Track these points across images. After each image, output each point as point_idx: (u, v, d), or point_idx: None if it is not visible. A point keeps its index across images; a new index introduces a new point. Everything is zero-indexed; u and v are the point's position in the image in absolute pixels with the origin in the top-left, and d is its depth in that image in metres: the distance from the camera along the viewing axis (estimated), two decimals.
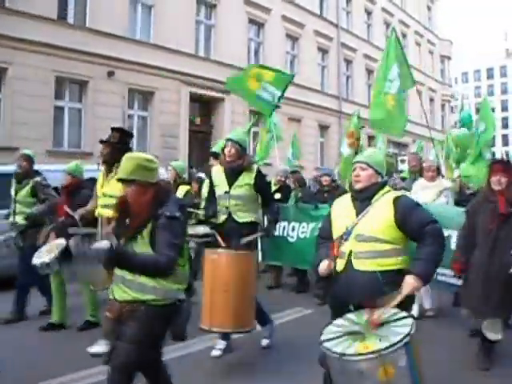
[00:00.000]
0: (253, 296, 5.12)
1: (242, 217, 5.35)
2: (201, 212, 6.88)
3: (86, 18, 16.47)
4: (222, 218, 5.39)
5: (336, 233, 3.66)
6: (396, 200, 3.53)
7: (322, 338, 3.08)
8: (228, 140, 5.46)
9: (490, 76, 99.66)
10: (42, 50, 14.84)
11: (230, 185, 5.36)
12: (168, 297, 3.24)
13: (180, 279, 3.32)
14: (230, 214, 5.34)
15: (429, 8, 40.50)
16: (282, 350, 5.46)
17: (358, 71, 30.03)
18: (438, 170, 7.13)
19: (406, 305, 3.29)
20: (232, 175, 5.38)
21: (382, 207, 3.55)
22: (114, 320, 3.26)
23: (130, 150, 5.64)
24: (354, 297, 3.37)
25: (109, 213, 5.09)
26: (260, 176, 5.47)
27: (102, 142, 5.76)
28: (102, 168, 5.88)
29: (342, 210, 3.77)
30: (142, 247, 3.21)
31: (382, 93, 8.21)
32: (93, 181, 6.21)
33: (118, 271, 3.30)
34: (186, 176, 8.59)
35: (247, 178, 5.36)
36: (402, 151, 31.44)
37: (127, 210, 3.28)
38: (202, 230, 6.39)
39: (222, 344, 5.36)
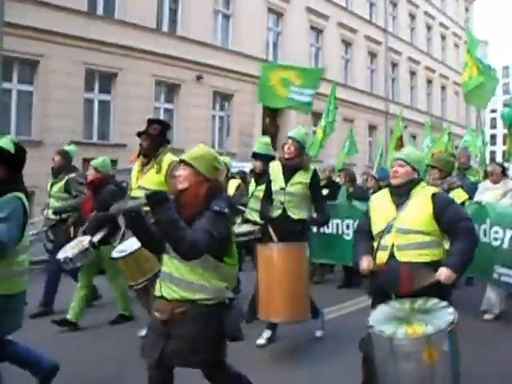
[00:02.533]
0: (306, 287, 5.24)
1: (296, 213, 5.40)
2: (247, 210, 6.78)
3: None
4: (277, 212, 5.45)
5: (376, 228, 3.82)
6: (434, 195, 3.72)
7: (370, 322, 3.32)
8: (289, 138, 5.54)
9: None
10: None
11: (286, 181, 5.43)
12: (217, 295, 3.13)
13: (228, 278, 3.22)
14: (284, 210, 5.41)
15: (466, 9, 41.61)
16: (327, 342, 5.62)
17: (403, 73, 31.74)
18: (503, 171, 6.98)
19: (443, 295, 3.49)
20: (289, 172, 5.45)
21: (421, 201, 3.71)
22: (165, 321, 3.14)
23: (168, 142, 5.68)
24: (397, 286, 3.54)
25: None
26: (315, 176, 5.56)
27: (140, 133, 5.59)
28: (137, 160, 5.74)
29: (381, 205, 3.91)
30: None
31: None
32: None
33: (165, 268, 3.23)
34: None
35: (303, 177, 5.43)
36: None
37: (180, 202, 3.11)
38: (244, 228, 6.43)
39: (267, 333, 5.50)
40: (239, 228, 6.46)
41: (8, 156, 3.63)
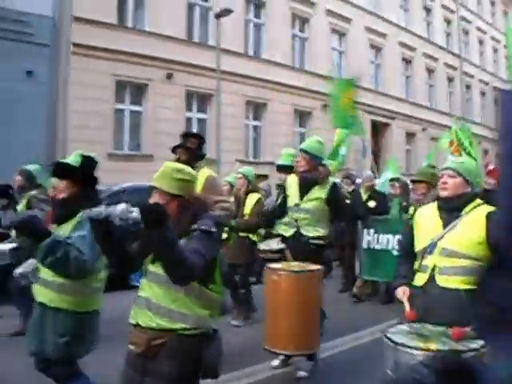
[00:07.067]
0: (316, 317, 4.90)
1: (310, 231, 5.18)
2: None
3: None
4: (291, 231, 5.27)
5: (419, 245, 3.41)
6: (490, 215, 3.17)
7: (389, 331, 2.89)
8: (300, 150, 5.31)
9: None
10: None
11: (302, 197, 5.22)
12: (199, 325, 2.81)
13: (212, 306, 2.90)
14: (298, 228, 5.21)
15: (492, 3, 37.24)
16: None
17: (441, 80, 31.13)
18: None
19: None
20: (305, 187, 5.23)
21: (474, 221, 3.22)
22: (140, 354, 2.81)
23: (204, 156, 5.31)
24: (433, 315, 3.08)
25: None
26: (334, 190, 5.31)
27: (177, 147, 5.23)
28: None
29: (427, 220, 3.47)
30: None
31: None
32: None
33: (142, 293, 2.90)
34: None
35: (320, 192, 5.20)
36: None
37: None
38: (276, 244, 5.88)
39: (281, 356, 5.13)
40: (267, 244, 6.24)
41: (72, 171, 3.45)
